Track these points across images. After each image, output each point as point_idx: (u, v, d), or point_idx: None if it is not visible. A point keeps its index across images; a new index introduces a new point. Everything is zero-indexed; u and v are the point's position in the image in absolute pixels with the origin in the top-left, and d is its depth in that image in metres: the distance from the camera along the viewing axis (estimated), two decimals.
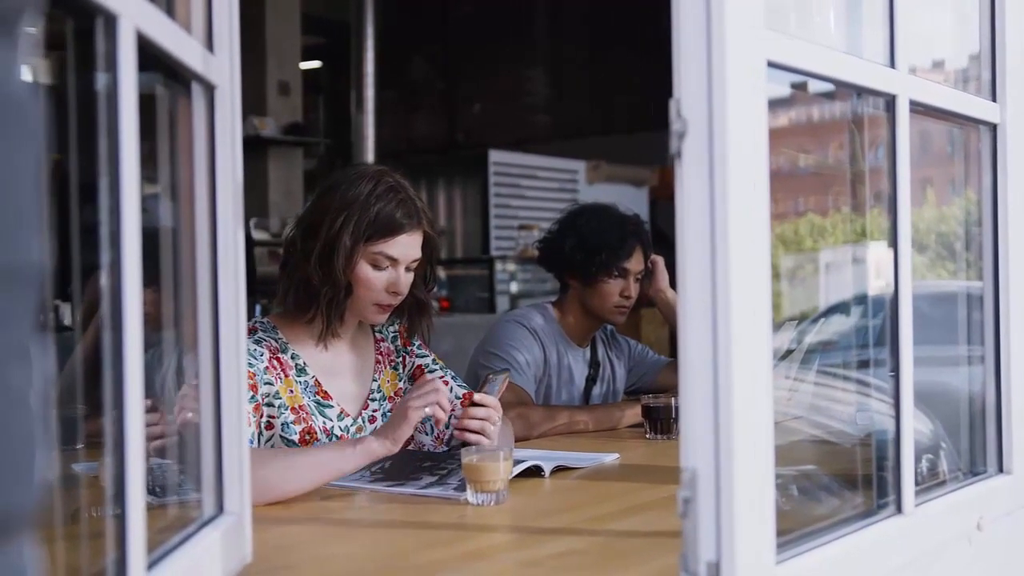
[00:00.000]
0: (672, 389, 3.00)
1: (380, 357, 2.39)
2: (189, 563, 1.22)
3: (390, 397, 2.37)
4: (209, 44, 1.37)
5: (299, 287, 2.22)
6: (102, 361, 1.05)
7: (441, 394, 2.02)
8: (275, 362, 2.19)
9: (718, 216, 1.17)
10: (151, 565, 1.11)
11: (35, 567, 0.60)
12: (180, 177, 1.38)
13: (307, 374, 2.23)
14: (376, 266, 2.20)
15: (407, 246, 2.22)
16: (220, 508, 1.39)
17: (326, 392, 2.25)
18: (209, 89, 1.36)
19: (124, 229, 1.03)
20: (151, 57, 1.13)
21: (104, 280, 1.03)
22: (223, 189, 1.39)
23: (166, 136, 1.35)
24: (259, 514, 1.50)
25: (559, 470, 2.19)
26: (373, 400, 2.34)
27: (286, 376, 2.20)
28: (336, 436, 2.23)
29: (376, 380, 2.36)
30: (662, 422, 2.66)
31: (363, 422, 2.30)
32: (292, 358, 2.23)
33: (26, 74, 0.59)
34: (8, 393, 0.56)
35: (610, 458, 2.36)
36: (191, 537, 1.28)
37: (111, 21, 1.01)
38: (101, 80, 1.04)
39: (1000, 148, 1.83)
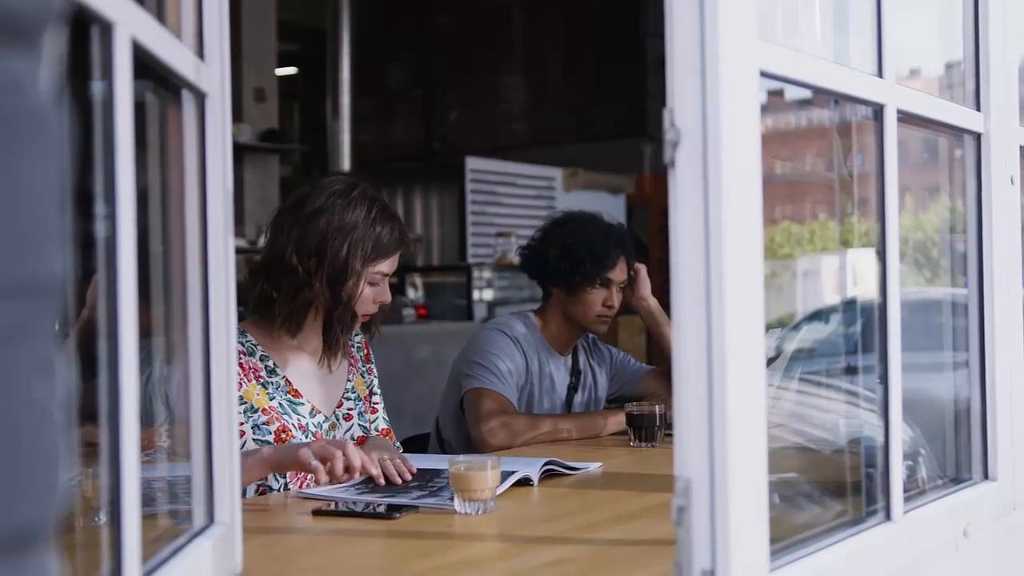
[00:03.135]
0: (654, 396, 3.00)
1: (352, 360, 2.49)
2: (181, 574, 1.21)
3: (364, 398, 2.47)
4: (200, 52, 1.36)
5: (302, 308, 2.28)
6: (84, 368, 1.04)
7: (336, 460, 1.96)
8: (238, 367, 2.20)
9: (712, 225, 1.18)
10: None
11: None
12: (170, 184, 1.37)
13: (278, 375, 2.30)
14: (371, 284, 2.32)
15: (396, 261, 2.37)
16: (211, 518, 1.38)
17: (297, 391, 2.32)
18: (200, 97, 1.36)
19: (120, 237, 1.02)
20: (142, 64, 1.13)
21: (99, 289, 1.02)
22: (213, 197, 1.38)
23: (155, 144, 1.35)
24: (249, 525, 1.49)
25: (547, 476, 2.19)
26: (348, 399, 2.43)
27: (250, 381, 2.25)
28: (311, 433, 2.30)
29: (351, 380, 2.45)
30: (646, 430, 2.66)
31: (337, 419, 2.39)
32: (261, 360, 2.30)
33: (49, 84, 0.59)
34: (33, 406, 0.56)
35: (594, 467, 2.36)
36: (182, 548, 1.27)
37: (107, 29, 1.00)
38: (95, 87, 1.04)
39: (984, 157, 1.85)
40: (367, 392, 2.50)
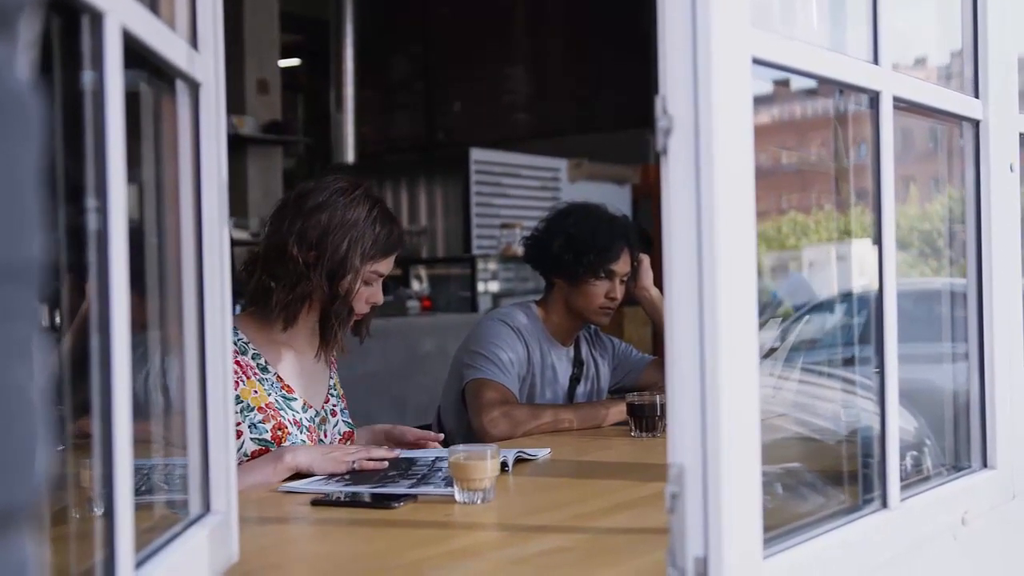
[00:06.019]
0: (656, 387, 3.00)
1: (333, 359, 2.52)
2: (176, 562, 1.21)
3: (342, 396, 2.52)
4: (194, 42, 1.36)
5: (299, 300, 2.31)
6: (84, 362, 1.04)
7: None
8: (235, 365, 2.23)
9: (704, 213, 1.18)
10: (139, 564, 1.11)
11: (36, 562, 0.60)
12: (164, 176, 1.37)
13: (270, 372, 2.33)
14: (366, 283, 2.35)
15: (392, 263, 2.40)
16: (207, 507, 1.38)
17: (289, 386, 2.35)
18: (194, 87, 1.36)
19: (111, 229, 1.02)
20: (135, 54, 1.13)
21: (91, 281, 1.02)
22: (208, 188, 1.38)
23: (149, 135, 1.35)
24: (245, 514, 1.49)
25: (546, 466, 2.21)
26: (332, 395, 2.48)
27: (248, 378, 2.28)
28: (305, 427, 2.33)
29: (332, 379, 2.50)
30: (647, 420, 2.67)
31: (326, 414, 2.44)
32: (253, 358, 2.32)
33: (26, 70, 0.59)
34: (11, 389, 0.56)
35: (543, 452, 2.39)
36: (178, 536, 1.27)
37: (97, 19, 1.00)
38: (86, 78, 1.04)
39: (983, 144, 1.84)
40: (342, 391, 2.55)
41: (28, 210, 0.57)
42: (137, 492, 1.14)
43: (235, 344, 2.28)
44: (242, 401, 2.24)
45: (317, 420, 2.39)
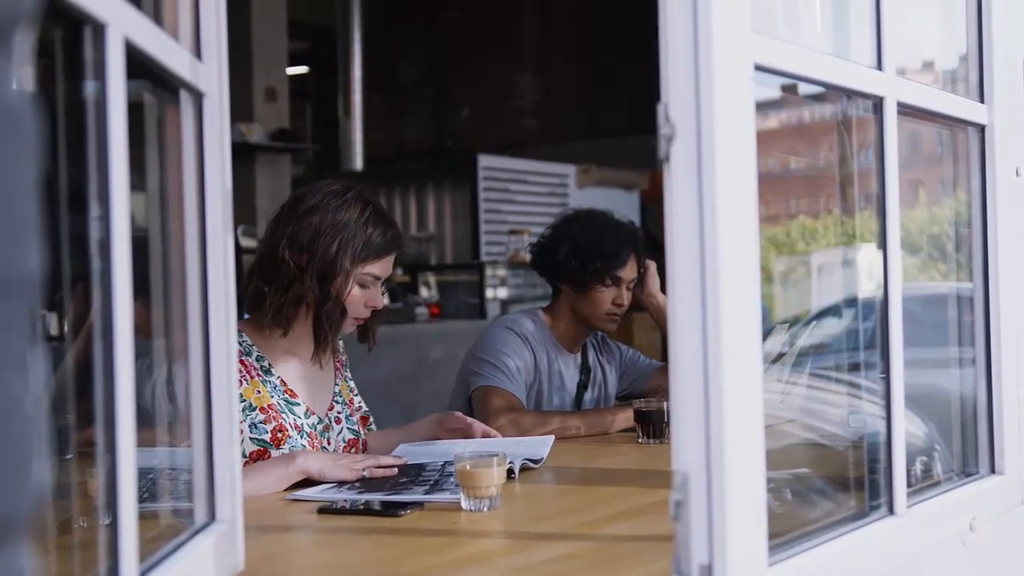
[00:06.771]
0: (663, 393, 3.00)
1: (338, 365, 2.53)
2: (181, 571, 1.22)
3: (348, 402, 2.51)
4: (197, 52, 1.36)
5: (292, 303, 2.30)
6: (91, 371, 1.05)
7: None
8: (239, 365, 2.25)
9: (707, 220, 1.18)
10: (143, 573, 1.11)
11: (32, 572, 0.61)
12: (168, 185, 1.37)
13: (273, 375, 2.34)
14: (362, 285, 2.34)
15: (390, 265, 2.39)
16: (212, 516, 1.38)
17: (292, 391, 2.35)
18: (197, 97, 1.36)
19: (114, 238, 1.02)
20: (138, 64, 1.13)
21: (94, 290, 1.02)
22: (212, 197, 1.38)
23: (154, 144, 1.35)
24: (251, 523, 1.49)
25: (524, 469, 2.22)
26: (337, 402, 2.47)
27: (252, 378, 2.29)
28: (306, 432, 2.34)
29: (338, 385, 2.50)
30: (654, 426, 2.66)
31: (330, 421, 2.43)
32: (257, 360, 2.33)
33: (21, 83, 0.59)
34: (6, 400, 0.56)
35: (547, 441, 2.42)
36: (183, 545, 1.28)
37: (99, 30, 1.01)
38: (89, 88, 1.04)
39: (988, 149, 1.84)
40: (351, 396, 2.54)
41: (25, 223, 0.57)
42: (141, 499, 1.14)
43: (240, 346, 2.29)
44: (244, 400, 2.24)
45: (320, 427, 2.38)
